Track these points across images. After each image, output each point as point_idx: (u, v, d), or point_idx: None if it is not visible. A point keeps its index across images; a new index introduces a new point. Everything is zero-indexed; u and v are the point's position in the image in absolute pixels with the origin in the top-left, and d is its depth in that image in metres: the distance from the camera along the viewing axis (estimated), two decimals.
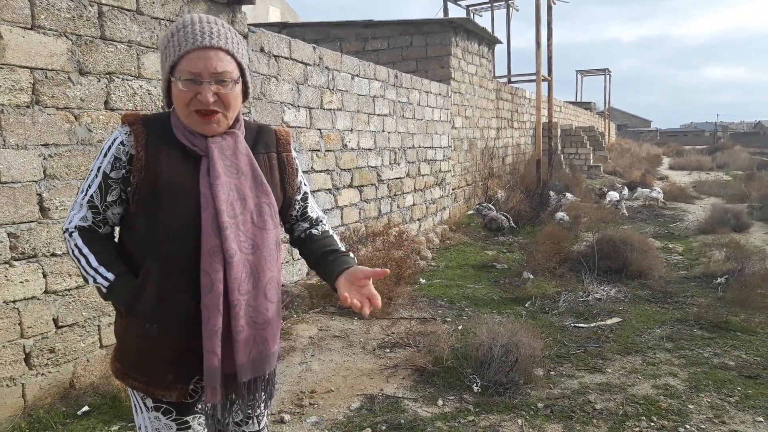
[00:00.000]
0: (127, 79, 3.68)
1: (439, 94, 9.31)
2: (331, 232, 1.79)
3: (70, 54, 3.33)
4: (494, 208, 9.70)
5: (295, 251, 5.61)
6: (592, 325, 4.85)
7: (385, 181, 7.47)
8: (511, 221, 9.29)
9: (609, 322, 4.93)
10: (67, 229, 1.53)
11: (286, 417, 3.29)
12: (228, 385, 1.53)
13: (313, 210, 1.79)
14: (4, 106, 3.03)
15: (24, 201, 3.15)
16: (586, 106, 30.27)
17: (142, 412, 1.60)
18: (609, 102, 35.03)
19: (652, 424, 3.19)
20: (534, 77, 13.81)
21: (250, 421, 1.74)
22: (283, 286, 4.87)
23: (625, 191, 13.87)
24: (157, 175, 1.46)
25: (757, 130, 72.95)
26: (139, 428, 1.62)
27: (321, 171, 6.04)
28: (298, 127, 5.62)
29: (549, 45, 14.22)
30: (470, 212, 10.19)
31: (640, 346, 4.37)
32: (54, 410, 3.19)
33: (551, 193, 11.70)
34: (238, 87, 1.51)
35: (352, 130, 6.60)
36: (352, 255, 1.73)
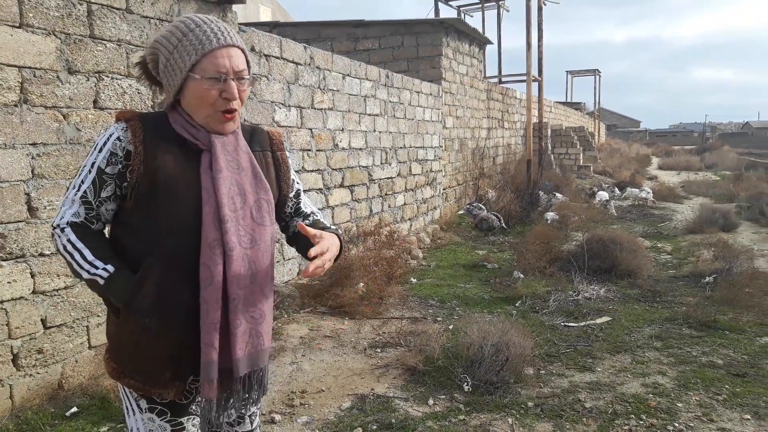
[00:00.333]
0: (116, 78, 3.66)
1: (430, 94, 9.33)
2: (322, 219, 1.80)
3: (58, 53, 3.31)
4: (485, 208, 9.72)
5: (286, 251, 5.61)
6: (582, 324, 4.88)
7: (376, 181, 7.47)
8: (502, 221, 9.33)
9: (599, 321, 4.96)
10: (58, 225, 1.51)
11: (277, 417, 3.29)
12: (224, 381, 1.53)
13: (307, 206, 1.81)
14: None
15: (12, 201, 3.12)
16: (576, 106, 30.42)
17: (134, 414, 1.58)
18: (599, 102, 35.24)
19: (641, 422, 3.21)
20: (524, 77, 13.86)
21: (243, 421, 1.74)
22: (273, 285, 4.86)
23: (615, 191, 13.96)
24: (157, 171, 1.46)
25: (745, 130, 73.62)
26: (131, 430, 1.60)
27: (312, 171, 6.03)
28: (289, 126, 5.61)
29: (539, 46, 14.29)
30: (461, 212, 10.22)
31: (629, 344, 4.40)
32: (42, 411, 3.16)
33: (541, 192, 11.75)
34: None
35: (343, 129, 6.60)
36: (335, 228, 1.72)
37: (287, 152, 1.76)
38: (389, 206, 7.90)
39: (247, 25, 5.66)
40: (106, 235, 1.59)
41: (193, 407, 1.62)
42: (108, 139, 1.49)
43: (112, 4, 3.61)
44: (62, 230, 1.50)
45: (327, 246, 1.53)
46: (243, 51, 1.52)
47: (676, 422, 3.21)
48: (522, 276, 6.34)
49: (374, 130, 7.39)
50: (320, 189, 6.20)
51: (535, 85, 14.27)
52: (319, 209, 6.09)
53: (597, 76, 33.57)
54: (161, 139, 1.50)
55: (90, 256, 1.48)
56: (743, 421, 3.22)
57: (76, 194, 1.50)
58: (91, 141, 3.51)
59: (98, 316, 3.60)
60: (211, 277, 1.47)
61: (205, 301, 1.47)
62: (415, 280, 6.42)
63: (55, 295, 3.35)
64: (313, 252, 1.49)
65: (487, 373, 3.63)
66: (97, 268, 1.47)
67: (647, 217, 11.16)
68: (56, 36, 3.29)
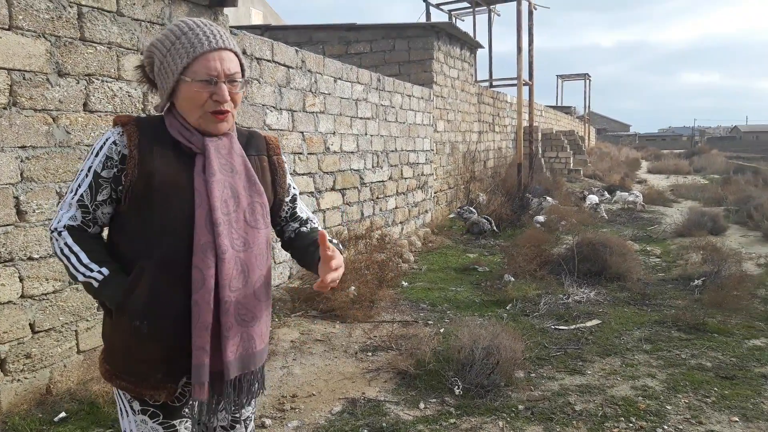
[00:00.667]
0: (106, 81, 3.64)
1: (422, 98, 9.35)
2: (320, 228, 1.80)
3: (48, 55, 3.29)
4: (476, 212, 9.75)
5: (277, 254, 5.59)
6: (572, 327, 4.90)
7: (367, 184, 7.47)
8: (493, 224, 9.35)
9: (589, 324, 4.98)
10: (55, 229, 1.53)
11: (267, 422, 3.28)
12: (214, 383, 1.54)
13: (303, 211, 1.82)
14: None
15: (0, 204, 3.09)
16: (567, 110, 30.59)
17: (128, 416, 1.59)
18: (589, 106, 35.47)
19: (631, 425, 3.23)
20: (515, 82, 13.92)
21: (238, 426, 1.74)
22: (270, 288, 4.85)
23: (605, 194, 14.04)
24: (151, 175, 1.47)
25: (733, 134, 74.34)
26: None
27: (303, 174, 6.03)
28: (281, 129, 5.61)
29: (530, 50, 14.35)
30: (452, 215, 10.24)
31: (619, 347, 4.42)
32: (30, 417, 3.13)
33: (531, 196, 11.80)
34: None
35: (334, 133, 6.60)
36: (336, 242, 1.73)
37: (284, 157, 1.77)
38: (380, 210, 7.91)
39: (238, 28, 5.65)
40: (104, 239, 1.61)
41: (186, 410, 1.62)
42: (104, 143, 1.51)
43: (103, 7, 3.59)
44: (59, 234, 1.52)
45: (342, 263, 1.56)
46: (236, 54, 1.54)
47: (665, 425, 3.23)
48: (513, 279, 6.36)
49: (366, 134, 7.39)
50: (311, 192, 6.19)
51: (525, 89, 14.34)
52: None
53: (587, 81, 33.78)
54: (157, 142, 1.51)
55: (85, 259, 1.50)
56: (731, 423, 3.24)
57: (73, 198, 1.52)
58: (81, 144, 3.49)
59: (87, 320, 3.57)
60: (203, 280, 1.47)
61: (196, 304, 1.47)
62: (407, 283, 6.42)
63: (43, 299, 3.33)
64: (334, 264, 1.52)
65: (477, 376, 3.64)
66: (92, 271, 1.49)
67: (637, 220, 11.23)
68: (46, 38, 3.28)
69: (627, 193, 13.29)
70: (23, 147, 3.19)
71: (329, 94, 6.48)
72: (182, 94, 1.50)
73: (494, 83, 15.78)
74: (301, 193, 5.95)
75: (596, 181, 18.29)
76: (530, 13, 14.30)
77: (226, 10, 4.61)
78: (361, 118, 7.25)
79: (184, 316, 1.48)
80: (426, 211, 9.69)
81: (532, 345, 4.39)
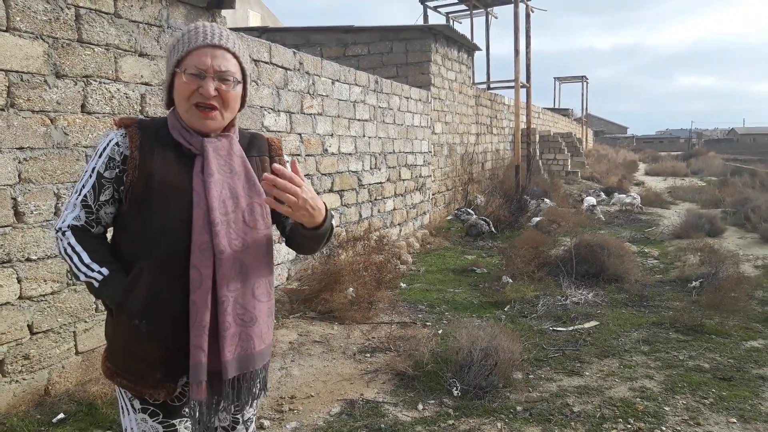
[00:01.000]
0: (104, 83, 3.64)
1: (419, 100, 9.36)
2: None
3: (46, 57, 3.29)
4: (474, 213, 9.76)
5: (275, 255, 5.59)
6: (570, 328, 4.91)
7: (365, 186, 7.48)
8: (491, 226, 9.36)
9: (587, 325, 4.98)
10: (60, 228, 1.56)
11: (266, 423, 3.28)
12: (213, 383, 1.54)
13: None
14: None
15: None
16: (564, 112, 30.63)
17: (129, 414, 1.61)
18: (586, 109, 35.50)
19: (629, 426, 3.24)
20: (513, 84, 13.94)
21: (239, 426, 1.74)
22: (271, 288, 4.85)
23: (603, 196, 14.06)
24: (151, 176, 1.49)
25: (730, 136, 74.52)
26: (125, 430, 1.63)
27: None
28: (278, 131, 5.61)
29: (527, 52, 14.39)
30: (450, 217, 10.25)
31: (617, 349, 4.43)
32: (28, 418, 3.13)
33: (529, 198, 11.81)
34: (239, 88, 1.58)
35: (332, 134, 6.60)
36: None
37: (286, 158, 1.77)
38: (379, 211, 7.91)
39: (236, 30, 5.66)
40: (107, 239, 1.63)
41: (186, 410, 1.63)
42: (107, 144, 1.54)
43: (101, 9, 3.59)
44: (63, 233, 1.55)
45: (302, 182, 1.47)
46: (234, 55, 1.55)
47: (663, 426, 3.23)
48: (511, 281, 6.36)
49: (363, 136, 7.40)
50: None
51: (523, 92, 14.37)
52: None
53: (584, 83, 33.84)
54: (158, 144, 1.53)
55: (87, 259, 1.53)
56: (729, 424, 3.25)
57: (77, 198, 1.55)
58: (79, 145, 3.49)
59: (85, 321, 3.57)
60: (200, 280, 1.48)
61: (194, 304, 1.48)
62: (405, 284, 6.42)
63: (41, 300, 3.32)
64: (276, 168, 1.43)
65: (476, 377, 3.64)
66: (93, 270, 1.52)
67: (634, 222, 11.25)
68: (44, 40, 3.28)
69: (625, 195, 13.32)
70: (21, 148, 3.19)
71: (327, 96, 6.48)
72: (175, 86, 1.53)
73: (492, 85, 15.81)
74: None
75: (594, 183, 18.32)
76: (527, 16, 14.34)
77: (223, 12, 4.62)
78: (359, 120, 7.25)
79: (182, 317, 1.49)
80: (424, 213, 9.70)
81: (530, 346, 4.39)
